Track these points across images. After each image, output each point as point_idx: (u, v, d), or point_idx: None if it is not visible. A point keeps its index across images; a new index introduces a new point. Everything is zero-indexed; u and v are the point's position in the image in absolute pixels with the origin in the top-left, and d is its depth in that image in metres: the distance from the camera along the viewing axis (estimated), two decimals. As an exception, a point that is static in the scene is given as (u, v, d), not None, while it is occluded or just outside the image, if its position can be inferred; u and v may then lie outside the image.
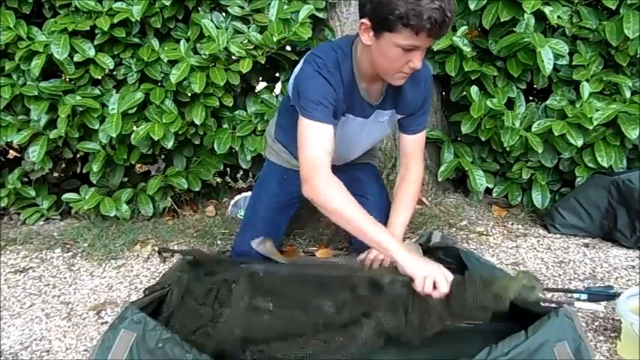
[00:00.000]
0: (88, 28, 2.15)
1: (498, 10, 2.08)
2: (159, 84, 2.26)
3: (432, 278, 1.30)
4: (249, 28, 2.18)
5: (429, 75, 1.68)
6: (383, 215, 1.83)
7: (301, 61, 1.56)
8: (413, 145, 1.74)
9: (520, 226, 2.23)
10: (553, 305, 1.55)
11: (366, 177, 1.90)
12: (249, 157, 2.30)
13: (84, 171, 2.44)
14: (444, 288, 1.29)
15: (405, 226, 1.69)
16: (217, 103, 2.20)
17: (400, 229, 1.66)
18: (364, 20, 1.39)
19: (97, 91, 2.27)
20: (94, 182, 2.36)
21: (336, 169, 1.86)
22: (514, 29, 2.12)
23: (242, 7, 2.20)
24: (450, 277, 1.32)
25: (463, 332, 1.38)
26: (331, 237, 2.17)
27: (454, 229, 2.21)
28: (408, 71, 1.44)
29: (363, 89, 1.57)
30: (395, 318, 1.30)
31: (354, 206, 1.42)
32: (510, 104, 2.22)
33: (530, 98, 2.43)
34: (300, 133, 1.48)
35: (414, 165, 1.74)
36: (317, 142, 1.46)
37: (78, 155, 2.56)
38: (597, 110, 2.03)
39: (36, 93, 2.19)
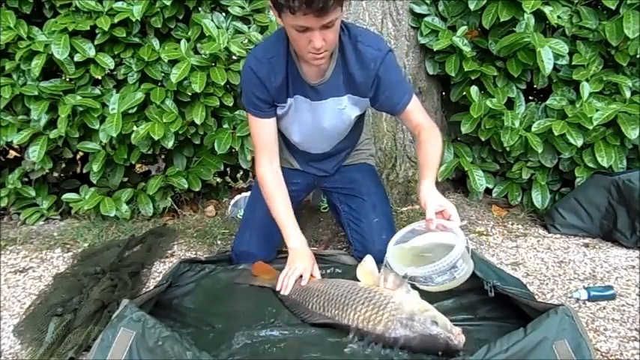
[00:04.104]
0: (88, 28, 2.15)
1: (498, 10, 2.08)
2: (159, 84, 2.26)
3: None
4: (249, 28, 2.19)
5: (379, 54, 1.54)
6: (380, 215, 1.83)
7: None
8: (411, 117, 1.64)
9: (520, 226, 2.23)
10: (554, 303, 1.54)
11: (363, 177, 1.90)
12: (249, 157, 2.30)
13: (84, 171, 2.44)
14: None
15: (435, 172, 1.55)
16: (218, 103, 2.20)
17: (430, 180, 1.51)
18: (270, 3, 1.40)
19: (97, 91, 2.27)
20: (94, 182, 2.36)
21: (334, 173, 1.91)
22: (514, 29, 2.12)
23: (242, 7, 2.21)
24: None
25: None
26: (331, 237, 2.17)
27: (454, 229, 2.20)
28: (314, 51, 1.40)
29: (302, 69, 1.56)
30: None
31: (280, 199, 1.71)
32: (510, 104, 2.22)
33: (530, 98, 2.43)
34: (249, 125, 1.72)
35: (424, 127, 1.62)
36: (258, 134, 1.69)
37: (78, 155, 2.56)
38: (597, 110, 2.04)
39: (36, 93, 2.19)
